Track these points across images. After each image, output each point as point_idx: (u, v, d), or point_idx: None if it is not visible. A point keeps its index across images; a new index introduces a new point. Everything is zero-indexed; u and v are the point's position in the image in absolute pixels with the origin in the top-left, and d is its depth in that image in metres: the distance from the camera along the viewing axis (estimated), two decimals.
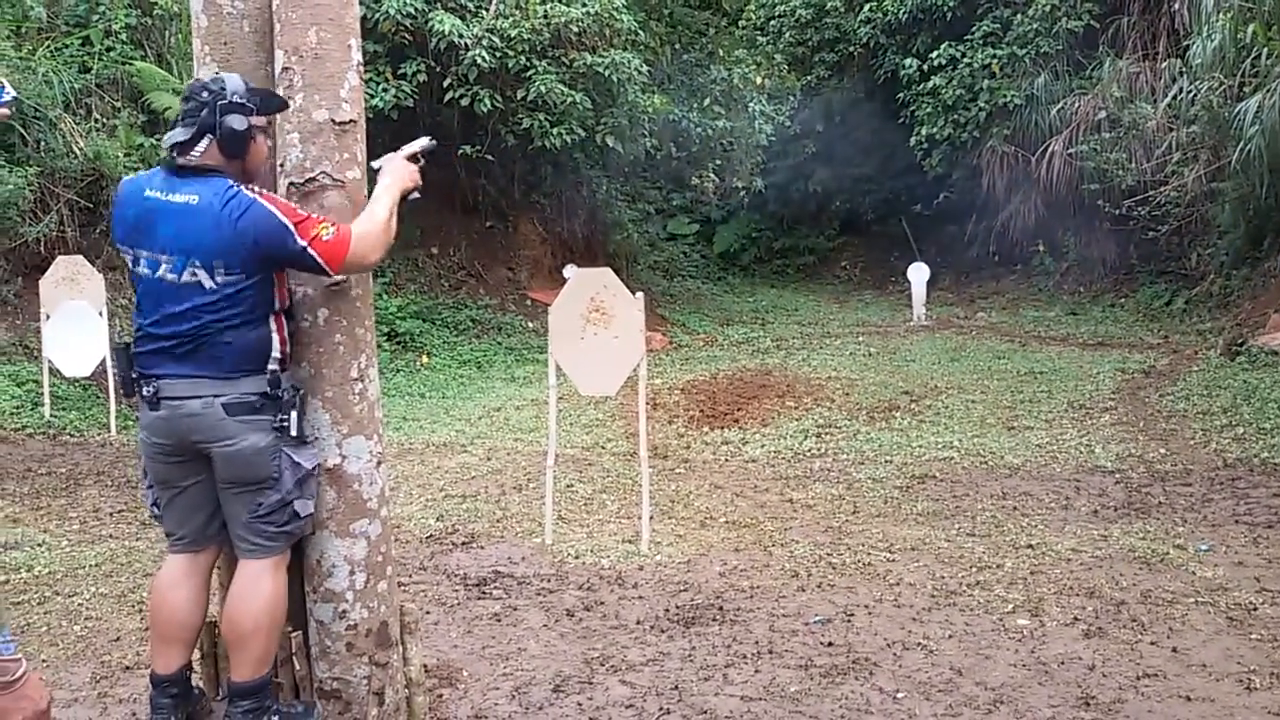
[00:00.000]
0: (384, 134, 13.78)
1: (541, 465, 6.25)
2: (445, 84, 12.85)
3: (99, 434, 8.55)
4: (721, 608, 4.72)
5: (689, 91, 17.00)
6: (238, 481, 2.97)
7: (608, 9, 13.04)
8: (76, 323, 8.50)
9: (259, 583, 3.00)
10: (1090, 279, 17.25)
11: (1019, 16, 17.49)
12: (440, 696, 3.80)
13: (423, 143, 3.24)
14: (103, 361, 8.45)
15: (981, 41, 17.88)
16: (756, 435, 8.66)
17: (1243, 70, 11.35)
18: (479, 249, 15.80)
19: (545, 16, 12.74)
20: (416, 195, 3.12)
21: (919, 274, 16.43)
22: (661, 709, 3.71)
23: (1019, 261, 18.56)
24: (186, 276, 2.89)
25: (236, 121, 2.90)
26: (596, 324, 5.66)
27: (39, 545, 5.69)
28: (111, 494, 6.86)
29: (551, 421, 6.09)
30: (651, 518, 5.88)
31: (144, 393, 2.96)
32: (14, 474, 7.28)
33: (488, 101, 12.76)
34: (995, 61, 17.52)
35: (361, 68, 3.17)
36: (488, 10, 12.99)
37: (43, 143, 10.39)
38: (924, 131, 18.36)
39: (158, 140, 11.06)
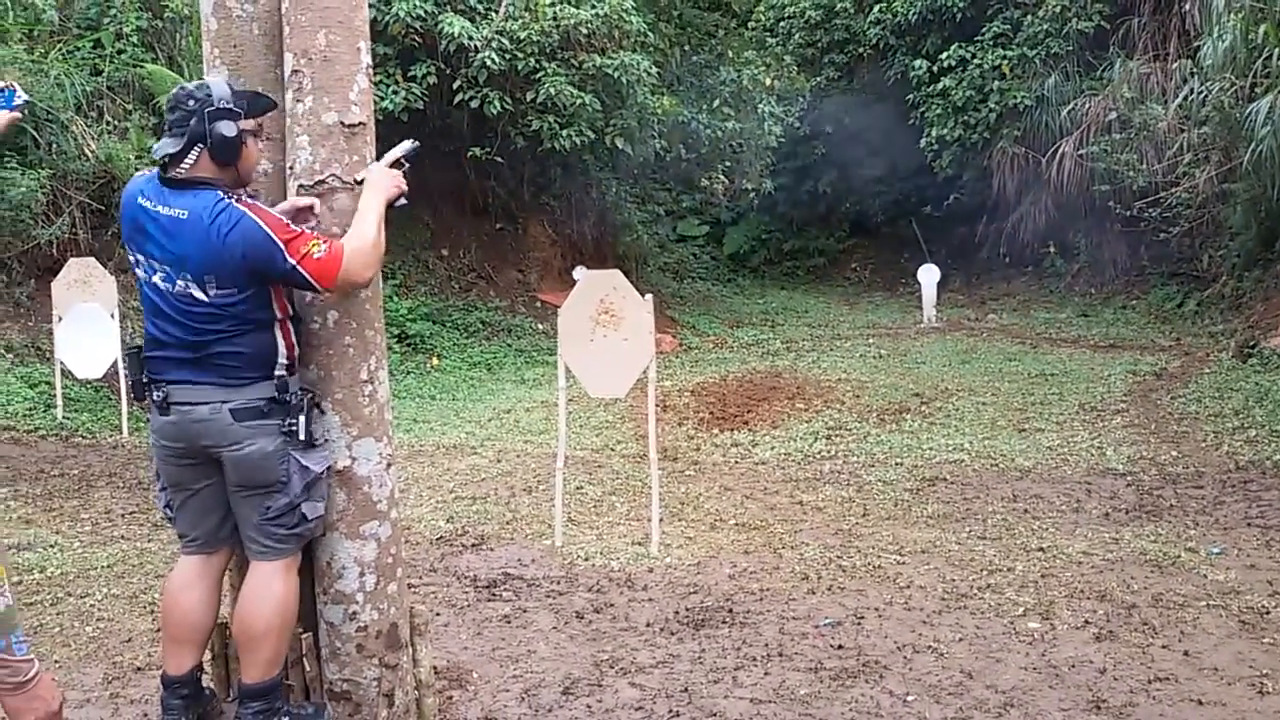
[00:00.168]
0: (394, 136, 13.72)
1: (551, 467, 6.26)
2: (455, 86, 12.86)
3: (111, 435, 8.58)
4: (731, 610, 4.72)
5: (698, 93, 17.00)
6: (247, 485, 2.98)
7: (617, 11, 13.05)
8: (88, 325, 8.53)
9: (270, 584, 3.00)
10: (1101, 281, 17.20)
11: (1029, 17, 17.45)
12: (450, 698, 3.81)
13: (405, 147, 3.21)
14: (114, 363, 8.48)
15: (992, 43, 17.85)
16: (766, 437, 8.65)
17: (1254, 71, 11.30)
18: (489, 251, 15.82)
19: (554, 18, 12.74)
20: (403, 202, 3.09)
21: (929, 276, 16.40)
22: (671, 711, 3.71)
23: (1030, 263, 18.52)
24: (179, 287, 2.89)
25: (226, 128, 2.87)
26: (606, 326, 5.66)
27: (51, 546, 5.71)
28: (123, 495, 6.88)
29: (561, 423, 6.09)
30: (661, 520, 5.87)
31: (154, 397, 2.97)
32: (27, 475, 7.31)
33: (497, 103, 12.78)
34: (1005, 63, 17.49)
35: (371, 70, 3.17)
36: (497, 12, 13.00)
37: (55, 145, 10.44)
38: (934, 133, 18.32)
39: None
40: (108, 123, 11.09)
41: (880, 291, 20.58)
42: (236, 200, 2.88)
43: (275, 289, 2.96)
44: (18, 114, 3.21)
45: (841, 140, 21.41)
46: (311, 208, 3.03)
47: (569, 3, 13.00)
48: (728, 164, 18.22)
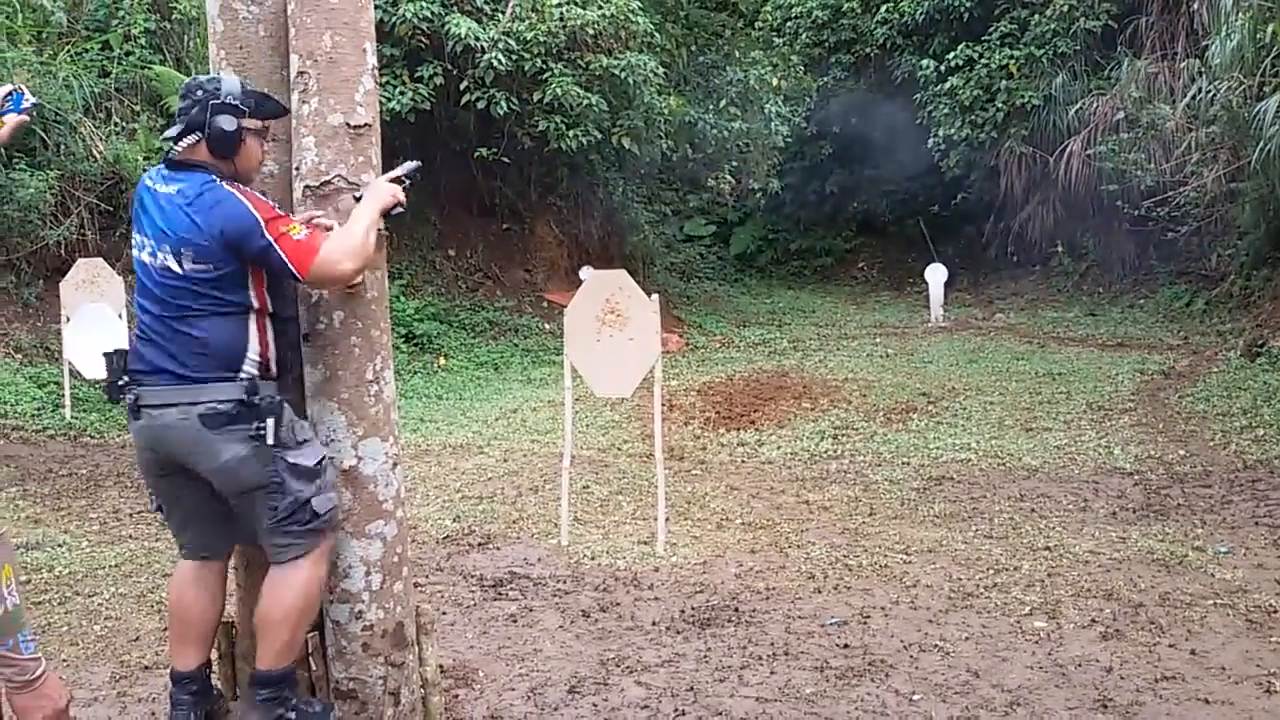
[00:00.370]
0: (402, 137, 13.87)
1: (558, 467, 6.27)
2: (462, 87, 12.88)
3: (119, 435, 8.61)
4: (737, 609, 4.72)
5: (705, 93, 16.99)
6: (239, 492, 2.95)
7: (623, 11, 13.05)
8: (97, 325, 8.56)
9: (294, 572, 2.95)
10: (1109, 280, 17.17)
11: (1036, 17, 17.41)
12: (456, 697, 3.82)
13: (408, 166, 3.23)
14: None
15: (999, 42, 17.81)
16: (773, 437, 8.65)
17: (1262, 70, 11.26)
18: (496, 251, 15.84)
19: (561, 19, 12.76)
20: (399, 210, 3.08)
21: (936, 275, 16.38)
22: (677, 710, 3.72)
23: (1037, 262, 18.48)
24: (160, 259, 2.90)
25: (226, 122, 2.90)
26: (612, 326, 5.67)
27: (60, 546, 5.73)
28: (131, 495, 6.90)
29: (567, 423, 6.10)
30: (667, 519, 5.88)
31: (127, 399, 2.94)
32: (35, 475, 7.34)
33: (504, 104, 12.79)
34: (1013, 62, 17.45)
35: (376, 71, 3.18)
36: (504, 13, 13.02)
37: (63, 147, 10.48)
38: (941, 132, 18.29)
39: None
40: (116, 124, 11.12)
41: (887, 291, 20.56)
42: (228, 184, 2.91)
43: (255, 275, 2.93)
44: (25, 117, 3.22)
45: (848, 140, 21.39)
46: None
47: (575, 3, 13.02)
48: (734, 164, 18.21)
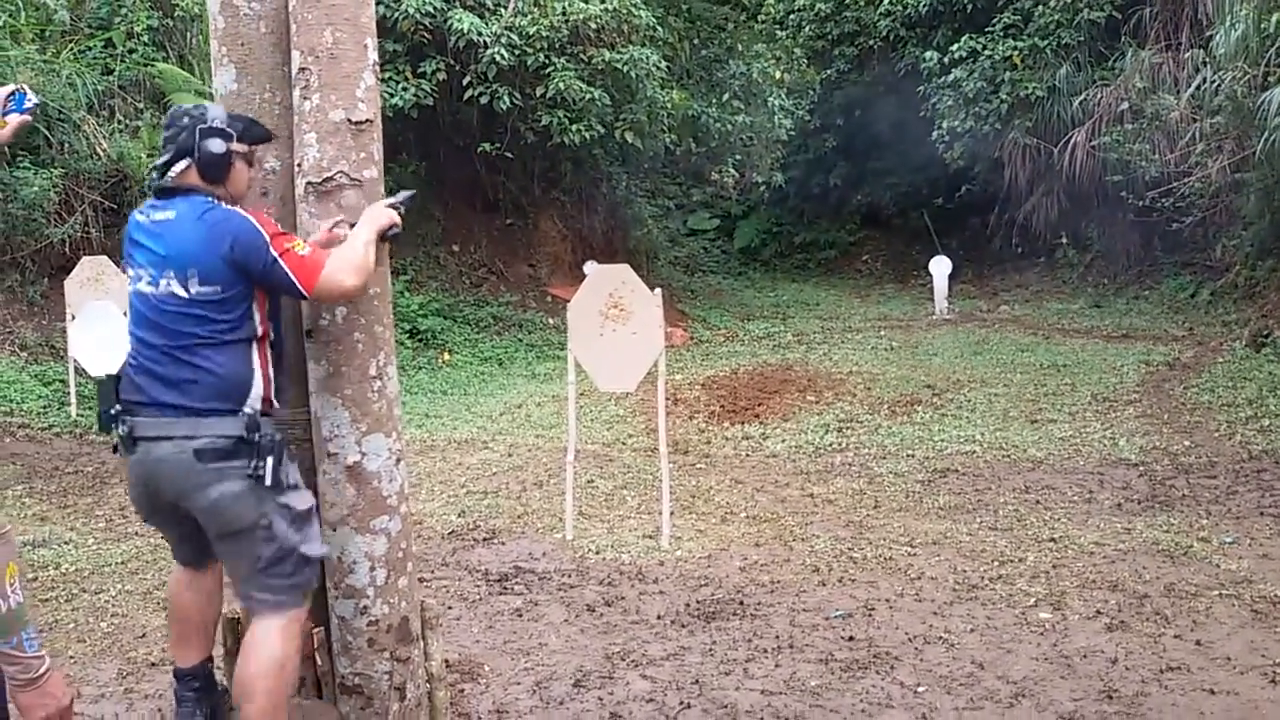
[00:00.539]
0: (405, 133, 13.90)
1: (562, 461, 6.27)
2: (465, 82, 12.88)
3: None
4: (742, 602, 4.73)
5: (708, 87, 16.97)
6: (226, 532, 2.85)
7: (626, 5, 13.04)
8: (102, 322, 8.58)
9: (269, 642, 2.85)
10: (1114, 271, 17.12)
11: (1040, 8, 17.34)
12: (462, 691, 3.83)
13: (403, 195, 3.22)
14: None
15: (1002, 33, 17.75)
16: (777, 430, 8.66)
17: (1267, 59, 11.22)
18: (500, 246, 15.84)
19: (564, 13, 12.75)
20: (395, 231, 3.07)
21: (941, 267, 16.35)
22: (682, 703, 3.73)
23: (1042, 254, 18.44)
24: (162, 286, 2.83)
25: (215, 145, 2.87)
26: (615, 320, 5.67)
27: (66, 543, 5.76)
28: None
29: (571, 417, 6.10)
30: (672, 513, 5.88)
31: (120, 431, 2.88)
32: (42, 472, 7.37)
33: (507, 99, 12.79)
34: (1016, 53, 17.39)
35: (377, 67, 3.18)
36: (506, 8, 13.01)
37: (67, 145, 10.49)
38: (945, 124, 18.23)
39: None
40: (119, 122, 11.14)
41: (892, 283, 20.53)
42: (227, 204, 2.89)
43: (259, 298, 2.88)
44: (28, 117, 3.22)
45: (852, 133, 21.35)
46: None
47: None
48: (738, 157, 18.20)
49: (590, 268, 12.20)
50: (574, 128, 13.16)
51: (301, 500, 2.91)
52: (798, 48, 20.59)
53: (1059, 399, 9.39)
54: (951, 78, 18.04)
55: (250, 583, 2.88)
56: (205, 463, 2.77)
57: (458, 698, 3.74)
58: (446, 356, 12.75)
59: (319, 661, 3.19)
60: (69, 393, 8.83)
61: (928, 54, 18.58)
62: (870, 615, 4.54)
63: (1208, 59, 13.03)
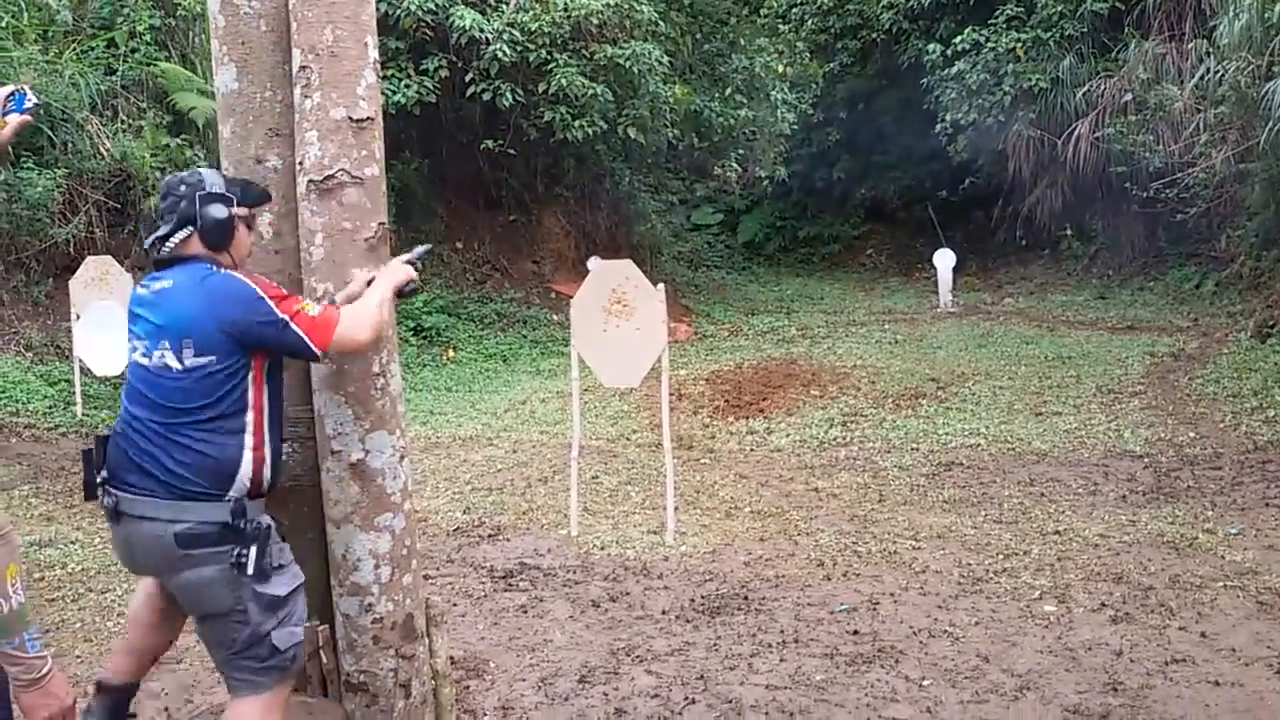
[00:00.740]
0: (408, 130, 13.91)
1: (567, 457, 6.28)
2: (467, 79, 12.89)
3: None
4: (747, 597, 4.73)
5: (711, 81, 16.95)
6: (201, 614, 2.77)
7: (628, 0, 13.02)
8: (107, 322, 8.58)
9: None
10: (1118, 262, 17.10)
11: None
12: (467, 688, 3.83)
13: (419, 250, 3.24)
14: None
15: (1005, 25, 17.71)
16: (782, 424, 8.65)
17: (1271, 49, 11.18)
18: (503, 243, 15.85)
19: (565, 9, 12.74)
20: (413, 287, 3.06)
21: (945, 260, 16.34)
22: (687, 698, 3.73)
23: (1046, 246, 18.42)
24: (156, 358, 2.73)
25: (218, 210, 2.79)
26: (618, 316, 5.68)
27: (73, 543, 5.77)
28: None
29: (575, 414, 6.11)
30: (676, 508, 5.89)
31: (105, 502, 2.77)
32: (48, 472, 7.38)
33: (509, 96, 12.79)
34: (1020, 45, 17.35)
35: (378, 65, 3.18)
36: (508, 4, 13.01)
37: (70, 145, 10.51)
38: (949, 117, 18.20)
39: (183, 140, 11.16)
40: (122, 121, 11.15)
41: (896, 277, 20.52)
42: (227, 270, 2.81)
43: (255, 370, 2.77)
44: (28, 117, 3.22)
45: (855, 126, 21.32)
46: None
47: None
48: (741, 152, 18.18)
49: (594, 264, 12.21)
50: (576, 124, 13.17)
51: (283, 585, 2.79)
52: (800, 41, 20.58)
53: (1064, 391, 9.38)
54: (955, 70, 18.01)
55: (225, 664, 2.80)
56: (185, 548, 2.66)
57: (463, 694, 3.75)
58: (451, 353, 12.76)
59: (324, 659, 3.19)
60: (74, 393, 8.85)
61: (931, 47, 18.54)
62: (875, 609, 4.55)
63: (1211, 49, 13.00)
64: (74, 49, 11.16)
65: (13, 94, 3.18)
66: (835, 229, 23.04)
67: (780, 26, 21.06)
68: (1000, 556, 5.18)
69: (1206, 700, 3.57)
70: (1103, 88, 15.61)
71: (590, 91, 12.92)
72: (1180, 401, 8.76)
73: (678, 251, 20.52)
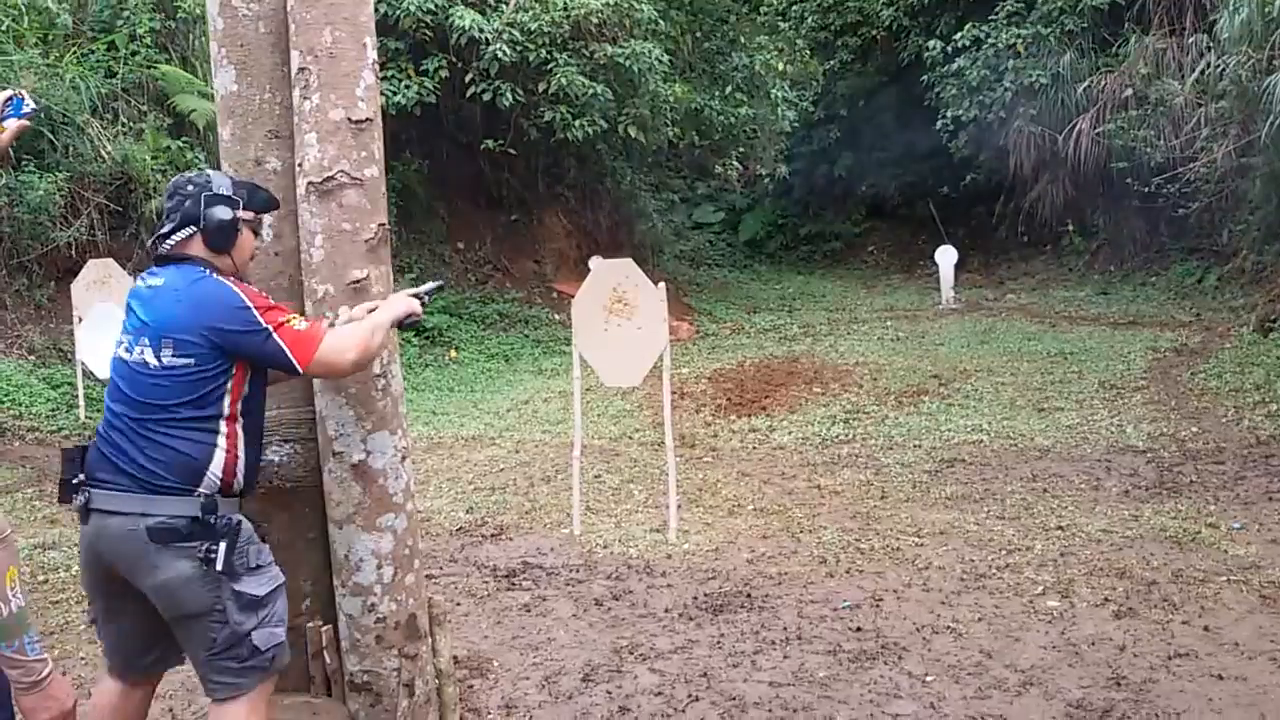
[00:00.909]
0: (408, 130, 13.92)
1: (569, 456, 6.29)
2: (467, 79, 12.90)
3: None
4: (750, 595, 4.74)
5: (711, 80, 16.94)
6: (178, 615, 2.71)
7: None
8: (109, 325, 8.57)
9: None
10: (1120, 258, 17.08)
11: None
12: (471, 687, 3.84)
13: (429, 286, 3.21)
14: None
15: (1005, 21, 17.68)
16: (784, 422, 8.65)
17: (1271, 43, 11.17)
18: (504, 243, 15.86)
19: (565, 9, 12.74)
20: (414, 320, 3.04)
21: (946, 257, 16.32)
22: (690, 696, 3.73)
23: (1048, 242, 18.40)
24: (135, 354, 2.72)
25: (222, 212, 2.78)
26: (619, 315, 5.68)
27: (76, 545, 5.77)
28: None
29: (576, 413, 6.11)
30: (679, 506, 5.90)
31: (77, 501, 2.73)
32: (51, 475, 7.38)
33: (509, 95, 12.80)
34: (1020, 41, 17.33)
35: (377, 66, 3.19)
36: (507, 4, 13.01)
37: (71, 148, 10.51)
38: (949, 113, 18.19)
39: (184, 143, 11.17)
40: (123, 124, 11.16)
41: (897, 274, 20.50)
42: (220, 276, 2.78)
43: (237, 375, 2.74)
44: (26, 122, 3.23)
45: (856, 123, 21.30)
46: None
47: None
48: (742, 150, 18.16)
49: (595, 263, 12.21)
50: (577, 123, 13.17)
51: (260, 585, 2.75)
52: (800, 39, 20.54)
53: (1066, 387, 9.37)
54: (955, 66, 17.99)
55: (204, 666, 2.76)
56: (155, 542, 2.63)
57: (466, 693, 3.75)
58: (453, 353, 12.77)
59: (327, 659, 3.20)
60: (77, 396, 8.86)
61: (931, 43, 18.52)
62: (878, 606, 4.55)
63: (1212, 43, 12.99)
64: (74, 52, 11.17)
65: (10, 99, 3.19)
66: (836, 226, 23.02)
67: (780, 24, 21.02)
68: (1003, 552, 5.18)
69: (1210, 694, 3.57)
70: (1103, 83, 15.58)
71: (590, 91, 12.92)
72: (1183, 396, 8.75)
73: (679, 250, 20.52)
